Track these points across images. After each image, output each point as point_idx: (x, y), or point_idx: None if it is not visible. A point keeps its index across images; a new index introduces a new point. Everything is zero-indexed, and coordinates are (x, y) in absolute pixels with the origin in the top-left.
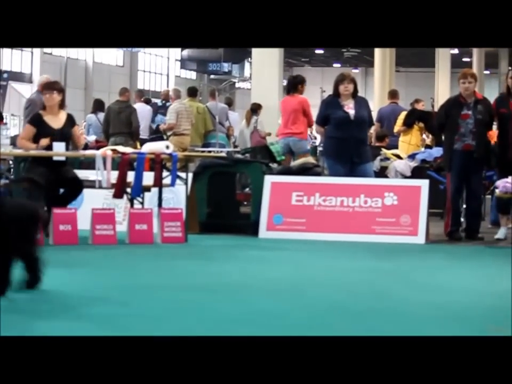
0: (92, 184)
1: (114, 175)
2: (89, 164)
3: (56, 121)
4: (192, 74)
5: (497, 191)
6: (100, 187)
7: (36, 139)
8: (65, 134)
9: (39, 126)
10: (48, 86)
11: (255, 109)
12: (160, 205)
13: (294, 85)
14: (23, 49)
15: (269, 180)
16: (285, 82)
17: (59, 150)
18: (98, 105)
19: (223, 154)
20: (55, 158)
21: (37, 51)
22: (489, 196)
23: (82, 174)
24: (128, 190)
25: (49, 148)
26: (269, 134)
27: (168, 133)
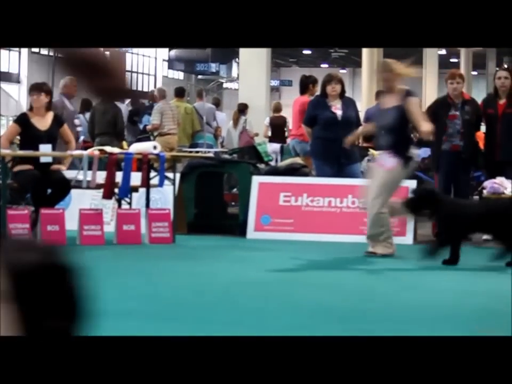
0: (79, 185)
1: (101, 176)
2: (77, 164)
3: (43, 122)
4: (180, 75)
5: (485, 191)
6: (82, 187)
7: (22, 140)
8: (52, 135)
9: (25, 127)
10: (36, 87)
11: (242, 109)
12: (147, 205)
13: (305, 85)
14: (11, 48)
15: (256, 180)
16: (272, 83)
17: (45, 152)
18: (86, 106)
19: (211, 154)
20: (42, 160)
21: (24, 50)
22: (476, 197)
23: (70, 174)
24: (116, 190)
25: (35, 149)
26: (257, 135)
27: (154, 133)
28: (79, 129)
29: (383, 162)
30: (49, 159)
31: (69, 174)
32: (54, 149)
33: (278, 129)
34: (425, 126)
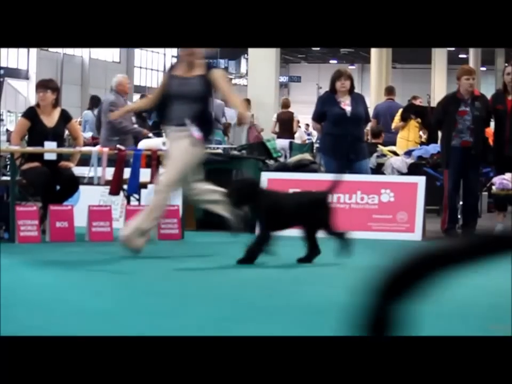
0: (88, 181)
1: (110, 172)
2: (85, 160)
3: (49, 119)
4: None
5: (494, 187)
6: (94, 183)
7: (30, 137)
8: (58, 133)
9: (33, 122)
10: (42, 85)
11: None
12: None
13: None
14: None
15: (265, 176)
16: (281, 79)
17: (54, 148)
18: (94, 102)
19: (220, 151)
20: (45, 157)
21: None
22: (485, 193)
23: (78, 171)
24: (125, 186)
25: (41, 146)
26: (262, 130)
27: None
28: (135, 126)
29: (192, 132)
30: (53, 157)
31: (79, 170)
32: (59, 146)
33: (285, 125)
34: (243, 107)
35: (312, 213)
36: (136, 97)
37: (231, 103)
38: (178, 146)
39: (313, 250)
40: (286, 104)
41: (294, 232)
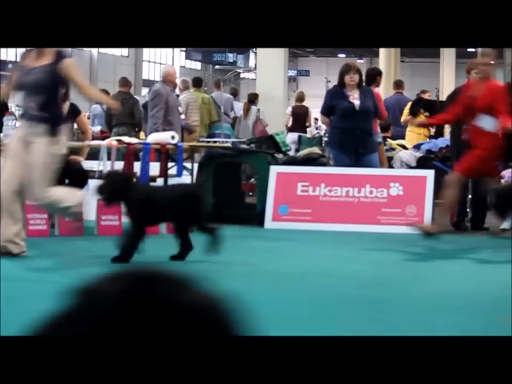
0: (100, 175)
1: (119, 166)
2: (94, 154)
3: None
4: (197, 65)
5: (502, 181)
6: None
7: None
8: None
9: None
10: None
11: (252, 99)
12: None
13: (373, 77)
14: None
15: (274, 170)
16: (289, 73)
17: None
18: None
19: (228, 144)
20: None
21: None
22: None
23: (87, 164)
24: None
25: None
26: (266, 125)
27: None
28: (182, 117)
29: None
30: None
31: (88, 164)
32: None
33: (299, 119)
34: (105, 98)
35: (184, 207)
36: (144, 91)
37: (89, 96)
38: (34, 151)
39: (185, 246)
40: (301, 98)
41: (303, 226)
